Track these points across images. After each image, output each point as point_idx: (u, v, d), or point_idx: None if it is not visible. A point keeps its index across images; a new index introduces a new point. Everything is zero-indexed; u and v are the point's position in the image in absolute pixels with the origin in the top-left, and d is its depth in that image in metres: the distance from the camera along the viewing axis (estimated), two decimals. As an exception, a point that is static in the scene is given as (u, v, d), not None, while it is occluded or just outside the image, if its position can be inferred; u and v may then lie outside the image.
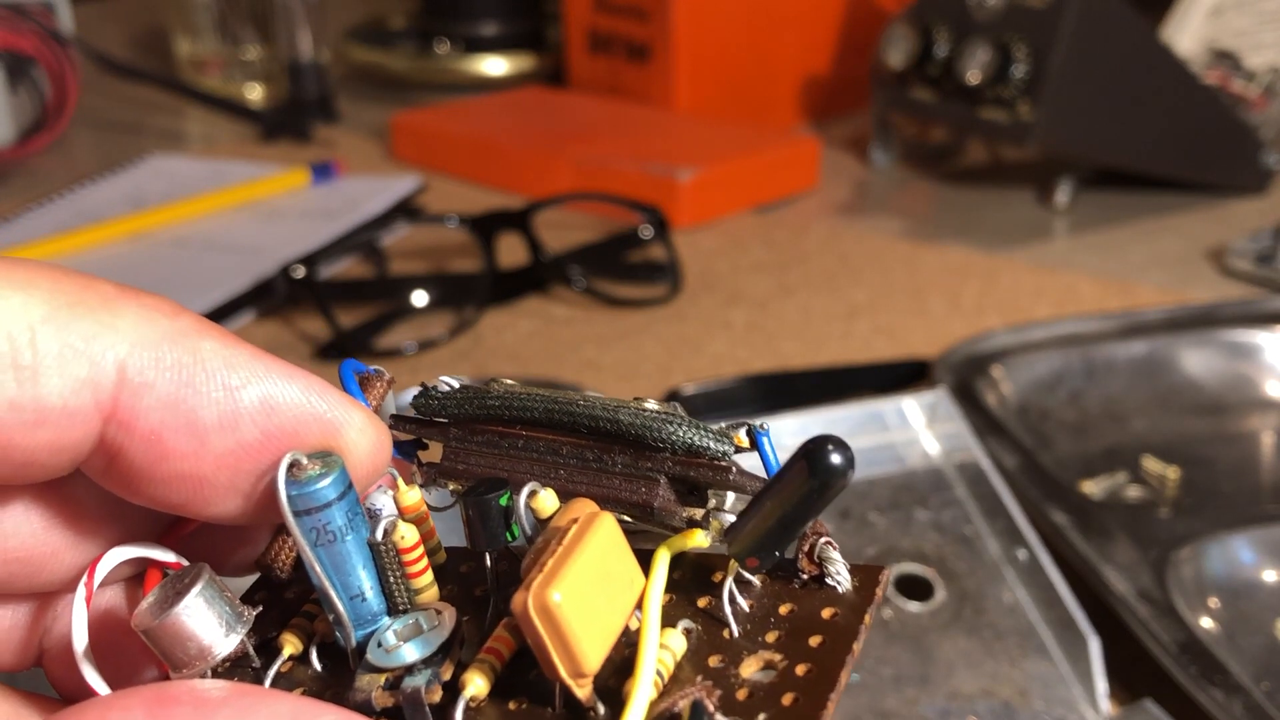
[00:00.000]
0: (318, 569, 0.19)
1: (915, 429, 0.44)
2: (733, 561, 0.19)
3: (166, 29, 1.10)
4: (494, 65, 1.07)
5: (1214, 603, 0.41)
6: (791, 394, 0.55)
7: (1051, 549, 0.40)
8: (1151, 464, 0.50)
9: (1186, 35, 0.87)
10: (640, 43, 0.92)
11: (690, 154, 0.81)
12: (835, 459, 0.17)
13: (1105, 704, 0.37)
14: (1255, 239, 0.71)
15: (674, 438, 0.20)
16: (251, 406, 0.18)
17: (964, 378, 0.53)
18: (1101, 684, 0.37)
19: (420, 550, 0.20)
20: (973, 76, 0.75)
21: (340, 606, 0.19)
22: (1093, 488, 0.49)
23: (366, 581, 0.19)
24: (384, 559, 0.19)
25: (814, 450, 0.17)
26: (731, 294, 0.68)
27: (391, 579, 0.19)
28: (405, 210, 0.79)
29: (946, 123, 0.85)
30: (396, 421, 0.22)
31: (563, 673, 0.17)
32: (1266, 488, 0.51)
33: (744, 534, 0.19)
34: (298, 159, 0.88)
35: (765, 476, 0.19)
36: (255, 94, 1.05)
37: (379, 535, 0.19)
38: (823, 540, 0.19)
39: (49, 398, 0.17)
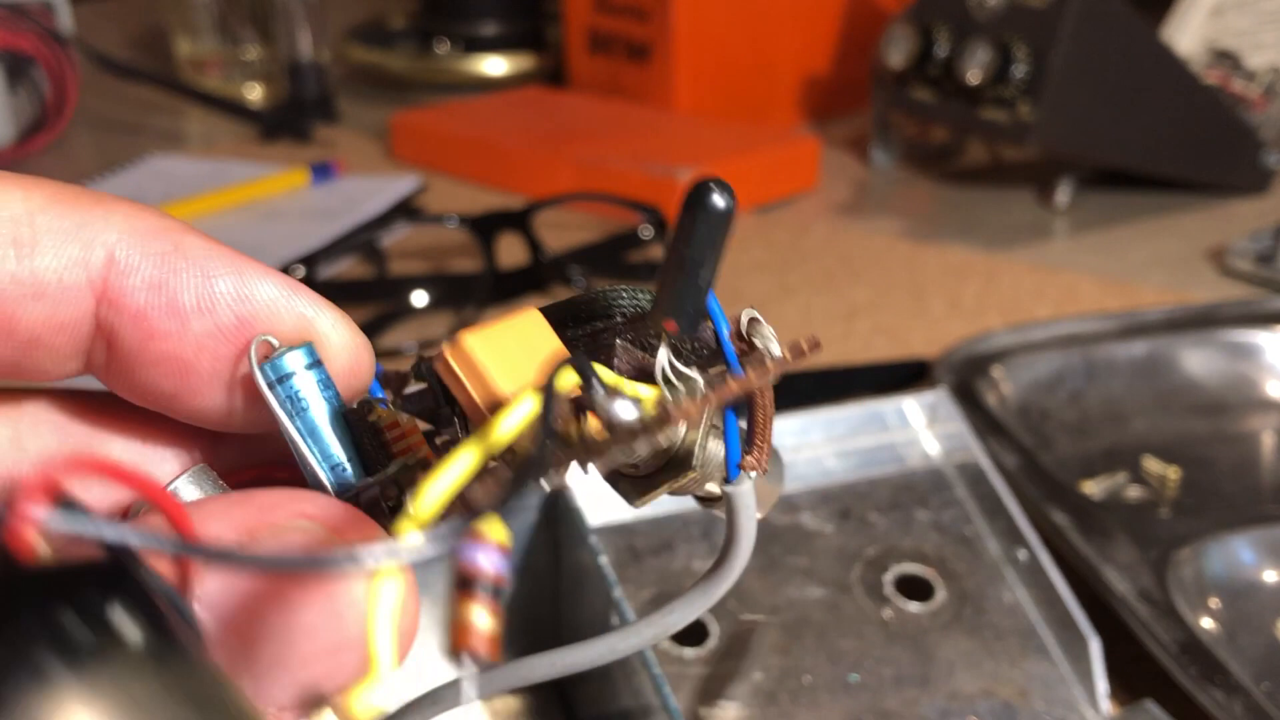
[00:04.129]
0: (295, 437, 0.20)
1: (915, 429, 0.44)
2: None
3: (166, 29, 1.10)
4: (494, 65, 1.06)
5: (1214, 603, 0.41)
6: (791, 394, 0.55)
7: (1052, 549, 0.40)
8: (1152, 464, 0.50)
9: (1186, 35, 0.87)
10: (640, 43, 0.92)
11: (690, 154, 0.81)
12: (715, 197, 0.19)
13: (1106, 704, 0.37)
14: (1255, 239, 0.71)
15: (619, 302, 0.21)
16: (227, 292, 0.20)
17: (964, 378, 0.53)
18: (1102, 684, 0.37)
19: (395, 420, 0.21)
20: (973, 76, 0.75)
21: (322, 475, 0.20)
22: (1093, 488, 0.49)
23: (344, 452, 0.20)
24: (359, 429, 0.20)
25: (694, 192, 0.19)
26: (731, 294, 0.68)
27: (369, 448, 0.20)
28: (405, 210, 0.79)
29: (946, 123, 0.85)
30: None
31: (479, 403, 0.19)
32: (1267, 488, 0.51)
33: (657, 297, 0.20)
34: (297, 159, 0.88)
35: (715, 329, 0.21)
36: (255, 94, 1.05)
37: (353, 404, 0.20)
38: (748, 317, 0.21)
39: (45, 272, 0.19)
